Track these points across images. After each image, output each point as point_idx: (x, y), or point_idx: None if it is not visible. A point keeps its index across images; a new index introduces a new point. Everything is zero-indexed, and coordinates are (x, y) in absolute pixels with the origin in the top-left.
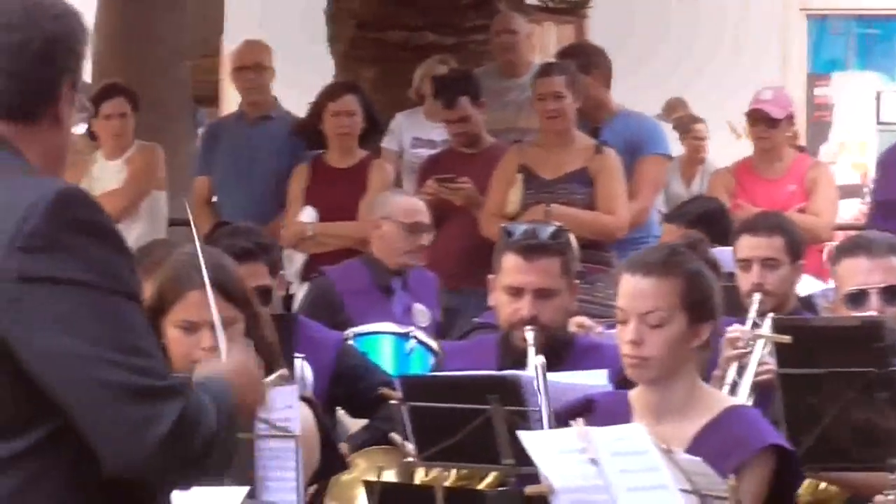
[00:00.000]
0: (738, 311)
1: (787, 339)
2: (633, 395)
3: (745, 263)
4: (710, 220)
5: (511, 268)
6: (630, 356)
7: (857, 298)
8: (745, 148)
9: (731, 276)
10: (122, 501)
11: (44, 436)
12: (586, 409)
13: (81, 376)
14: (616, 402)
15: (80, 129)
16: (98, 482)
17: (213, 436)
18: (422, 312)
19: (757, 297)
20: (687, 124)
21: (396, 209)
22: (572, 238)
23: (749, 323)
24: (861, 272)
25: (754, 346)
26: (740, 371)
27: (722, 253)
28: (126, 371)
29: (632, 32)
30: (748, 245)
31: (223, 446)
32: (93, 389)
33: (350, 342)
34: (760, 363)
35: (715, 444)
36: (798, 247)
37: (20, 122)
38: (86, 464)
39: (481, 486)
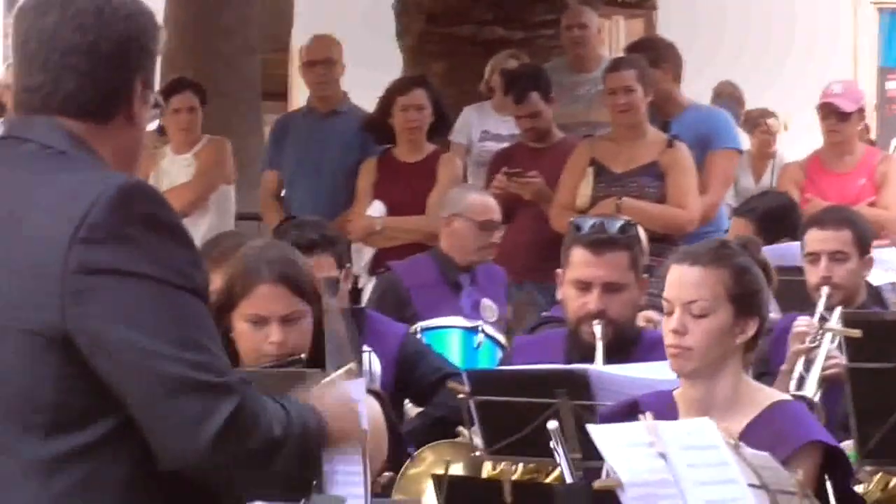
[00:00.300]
0: (806, 305)
1: (856, 333)
2: (678, 393)
3: (814, 257)
4: (779, 215)
5: (579, 262)
6: (672, 346)
7: None
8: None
9: (799, 270)
10: (188, 498)
11: (106, 430)
12: (631, 412)
13: (140, 368)
14: (660, 401)
15: (153, 125)
16: (160, 478)
17: (275, 441)
18: (490, 307)
19: (825, 290)
20: (757, 118)
21: (469, 207)
22: (641, 232)
23: (817, 316)
24: None
25: (822, 339)
26: (808, 365)
27: (790, 248)
28: (183, 365)
29: (701, 25)
30: (816, 239)
31: (291, 460)
32: (150, 382)
33: (415, 333)
34: (828, 357)
35: (761, 440)
36: (866, 240)
37: (94, 121)
38: (147, 459)
39: (548, 480)
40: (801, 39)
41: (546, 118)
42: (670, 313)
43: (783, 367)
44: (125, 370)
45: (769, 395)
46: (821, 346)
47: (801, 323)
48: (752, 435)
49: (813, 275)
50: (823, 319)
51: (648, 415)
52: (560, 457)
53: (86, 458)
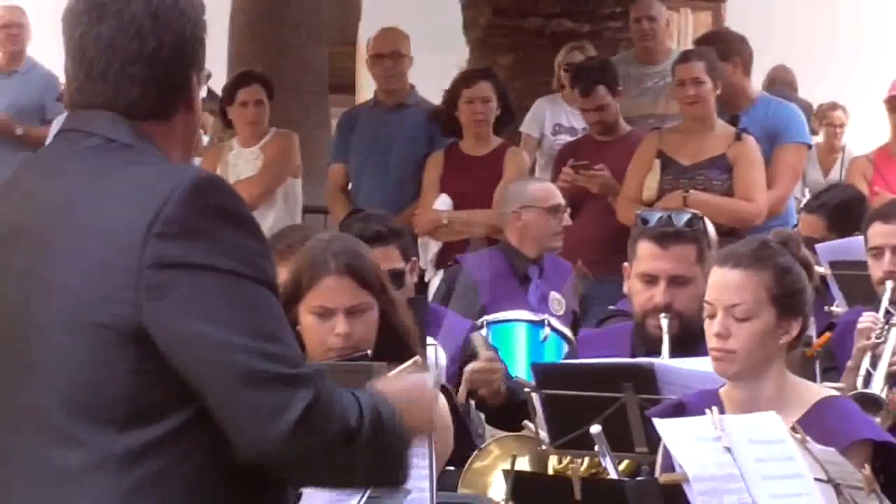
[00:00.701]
0: (872, 300)
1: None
2: (724, 392)
3: (877, 251)
4: (849, 209)
5: (646, 255)
6: (716, 349)
7: None
8: None
9: (865, 264)
10: (256, 488)
11: (179, 424)
12: (676, 413)
13: (216, 361)
14: (706, 401)
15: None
16: (228, 471)
17: (350, 432)
18: (557, 301)
19: (889, 284)
20: (825, 111)
21: (534, 196)
22: (709, 225)
23: (882, 311)
24: None
25: (888, 335)
26: (874, 361)
27: (856, 242)
28: (259, 357)
29: (768, 18)
30: (880, 233)
31: (367, 450)
32: (227, 375)
33: (480, 330)
34: (895, 353)
35: (811, 435)
36: None
37: (157, 119)
38: (221, 451)
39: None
40: (869, 32)
41: (612, 111)
42: (712, 316)
43: (849, 364)
44: (203, 364)
45: (816, 392)
46: (887, 341)
47: (867, 319)
48: (804, 429)
49: (877, 269)
50: (889, 314)
51: (714, 409)
52: (605, 459)
53: (159, 452)
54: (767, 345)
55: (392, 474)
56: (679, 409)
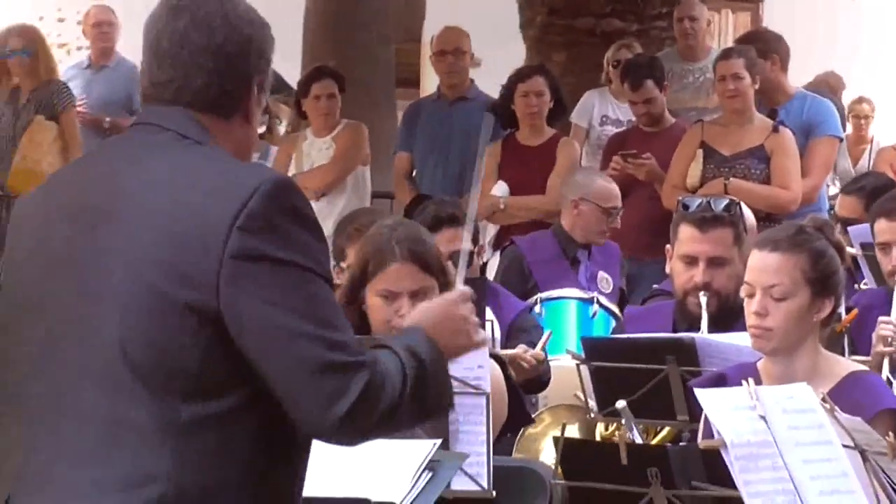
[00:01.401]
0: None
1: None
2: (760, 365)
3: (885, 246)
4: (884, 193)
5: (686, 238)
6: (754, 327)
7: None
8: None
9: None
10: (304, 463)
11: (239, 401)
12: (718, 384)
13: (285, 348)
14: (745, 373)
15: (261, 128)
16: (282, 445)
17: (398, 401)
18: (605, 280)
19: None
20: (852, 104)
21: (596, 193)
22: (747, 210)
23: (893, 309)
24: None
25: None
26: (893, 368)
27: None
28: (323, 346)
29: (802, 18)
30: (885, 229)
31: (417, 401)
32: (294, 361)
33: (535, 309)
34: None
35: (839, 408)
36: None
37: (218, 116)
38: (272, 428)
39: (654, 441)
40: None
41: (660, 104)
42: (751, 295)
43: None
44: (271, 350)
45: (846, 366)
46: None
47: (885, 325)
48: (833, 401)
49: (886, 262)
50: None
51: (751, 380)
52: (631, 431)
53: (218, 425)
54: (802, 323)
55: (437, 408)
56: (720, 381)
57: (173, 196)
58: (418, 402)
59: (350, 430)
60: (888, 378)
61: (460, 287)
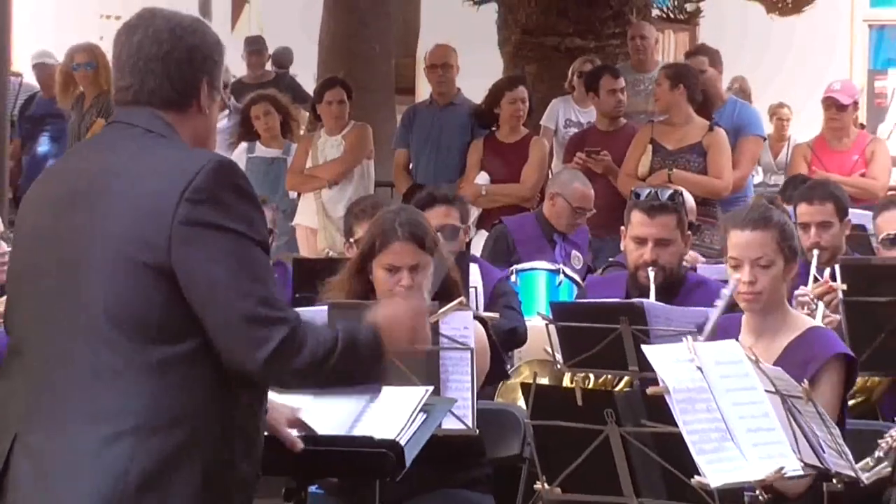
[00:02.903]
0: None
1: (843, 286)
2: (744, 318)
3: (804, 226)
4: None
5: (637, 222)
6: (746, 293)
7: (893, 241)
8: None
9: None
10: (257, 396)
11: (196, 345)
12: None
13: (221, 300)
14: (731, 322)
15: (223, 120)
16: (238, 381)
17: (321, 359)
18: (577, 258)
19: (815, 253)
20: (775, 109)
21: (570, 193)
22: (688, 197)
23: (811, 276)
24: (893, 220)
25: (816, 309)
26: None
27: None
28: (253, 301)
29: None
30: (805, 212)
31: (344, 368)
32: (227, 312)
33: (511, 279)
34: (825, 316)
35: (798, 356)
36: (845, 208)
37: (174, 110)
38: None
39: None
40: (811, 48)
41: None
42: (737, 267)
43: None
44: (209, 301)
45: (807, 322)
46: (817, 308)
47: (801, 293)
48: (793, 352)
49: (805, 240)
50: (816, 279)
51: (689, 338)
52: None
53: (181, 365)
54: (779, 284)
55: (366, 378)
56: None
57: (136, 179)
58: (343, 372)
59: (272, 374)
60: None
61: (427, 300)
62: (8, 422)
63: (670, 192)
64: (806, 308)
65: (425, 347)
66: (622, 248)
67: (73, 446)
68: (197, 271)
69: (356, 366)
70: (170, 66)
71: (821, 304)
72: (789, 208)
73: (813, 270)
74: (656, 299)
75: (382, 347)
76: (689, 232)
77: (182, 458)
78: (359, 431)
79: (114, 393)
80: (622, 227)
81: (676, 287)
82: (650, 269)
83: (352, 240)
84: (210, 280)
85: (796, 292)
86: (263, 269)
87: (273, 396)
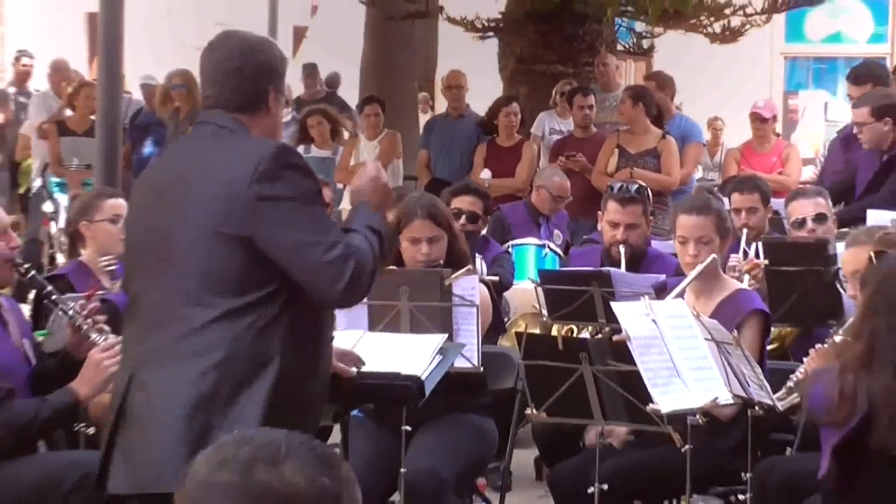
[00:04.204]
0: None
1: (765, 262)
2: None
3: (736, 211)
4: None
5: (612, 209)
6: (689, 263)
7: (800, 223)
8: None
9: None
10: (316, 328)
11: (269, 292)
12: (661, 290)
13: (300, 254)
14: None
15: (287, 117)
16: (304, 320)
17: (371, 268)
18: (558, 235)
19: (745, 231)
20: (711, 121)
21: (551, 184)
22: (649, 191)
23: (741, 248)
24: (801, 206)
25: (744, 278)
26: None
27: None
28: (322, 247)
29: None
30: (736, 200)
31: (382, 259)
32: (306, 262)
33: (508, 252)
34: (749, 283)
35: (728, 311)
36: (768, 198)
37: (248, 113)
38: (294, 309)
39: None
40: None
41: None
42: (684, 243)
43: None
44: (292, 256)
45: (735, 285)
46: (743, 274)
47: (732, 261)
48: (725, 307)
49: (737, 221)
50: (745, 253)
51: (646, 297)
52: None
53: (254, 311)
54: (717, 257)
55: (389, 249)
56: (662, 287)
57: (214, 166)
58: (381, 256)
59: (349, 298)
60: None
61: (371, 168)
62: (127, 362)
63: (637, 185)
64: (734, 271)
65: (390, 191)
66: (599, 228)
67: (173, 378)
68: (276, 236)
69: (383, 247)
70: (242, 78)
71: (746, 277)
72: (725, 199)
73: (742, 244)
74: (626, 269)
75: (384, 217)
76: (650, 216)
77: (255, 380)
78: (388, 369)
79: (203, 336)
80: (599, 213)
81: (640, 259)
82: (622, 246)
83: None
84: (287, 240)
85: (729, 260)
86: (323, 220)
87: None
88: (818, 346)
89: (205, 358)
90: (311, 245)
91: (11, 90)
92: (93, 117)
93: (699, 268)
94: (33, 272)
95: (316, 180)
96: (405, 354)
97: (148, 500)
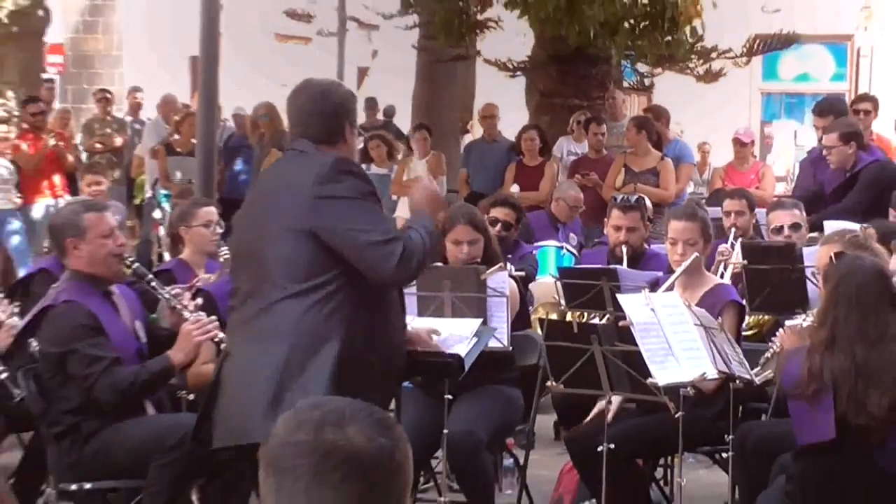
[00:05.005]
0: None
1: (744, 262)
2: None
3: (727, 213)
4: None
5: (615, 216)
6: (677, 261)
7: (778, 230)
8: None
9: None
10: (377, 307)
11: (334, 275)
12: (654, 284)
13: (355, 239)
14: (663, 280)
15: (360, 145)
16: (367, 302)
17: (423, 257)
18: (573, 238)
19: (733, 230)
20: (700, 145)
21: (567, 196)
22: (648, 202)
23: (730, 241)
24: (779, 216)
25: (729, 259)
26: (725, 268)
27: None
28: (374, 233)
29: (673, 101)
30: (727, 205)
31: (431, 253)
32: (360, 245)
33: (533, 252)
34: (733, 269)
35: (709, 301)
36: (754, 205)
37: (327, 145)
38: (357, 291)
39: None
40: (724, 106)
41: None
42: (674, 244)
43: (712, 269)
44: (348, 243)
45: (715, 280)
46: (728, 262)
47: (721, 249)
48: (706, 299)
49: (727, 221)
50: (733, 245)
51: (646, 290)
52: None
53: (325, 289)
54: (700, 256)
55: (436, 252)
56: (655, 282)
57: (289, 178)
58: (431, 252)
59: (400, 275)
60: (721, 273)
61: (426, 182)
62: (230, 342)
63: (636, 197)
64: (721, 255)
65: (441, 200)
66: (605, 232)
67: (254, 351)
68: (334, 227)
69: (434, 246)
70: (322, 117)
71: (729, 269)
72: (710, 209)
73: (731, 239)
74: (627, 266)
75: (435, 230)
76: (648, 222)
77: (321, 353)
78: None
79: (278, 315)
80: (605, 219)
81: (640, 257)
82: (623, 246)
83: None
84: (342, 228)
85: (718, 249)
86: (375, 213)
87: None
88: (788, 323)
89: (277, 333)
90: (363, 231)
91: (128, 119)
92: (194, 140)
93: (685, 264)
94: (137, 264)
95: (370, 184)
96: (447, 336)
97: (236, 450)
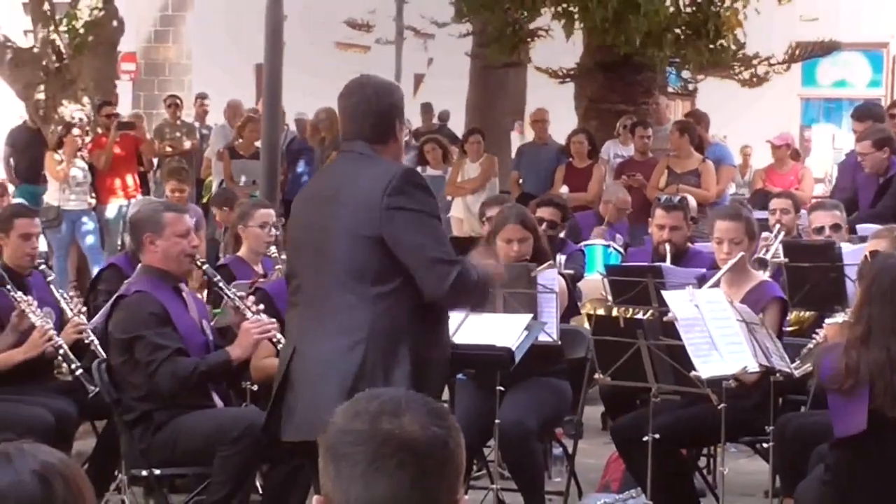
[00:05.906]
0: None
1: (785, 260)
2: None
3: (773, 212)
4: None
5: (658, 215)
6: (724, 259)
7: (819, 230)
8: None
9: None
10: (436, 308)
11: (400, 281)
12: (701, 280)
13: (418, 253)
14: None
15: (407, 154)
16: (428, 308)
17: (474, 286)
18: (619, 238)
19: (777, 227)
20: (742, 148)
21: (617, 199)
22: (691, 201)
23: (773, 233)
24: (820, 217)
25: (772, 245)
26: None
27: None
28: (437, 251)
29: (712, 105)
30: (775, 203)
31: (481, 295)
32: (422, 260)
33: (582, 250)
34: (774, 255)
35: (754, 298)
36: (798, 204)
37: (380, 143)
38: (420, 297)
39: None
40: (765, 111)
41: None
42: (720, 243)
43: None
44: (411, 255)
45: (760, 277)
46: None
47: (765, 235)
48: (751, 295)
49: (772, 218)
50: (776, 237)
51: (690, 287)
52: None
53: (390, 296)
54: (745, 254)
55: (487, 297)
56: (702, 278)
57: (356, 183)
58: (481, 292)
59: (452, 297)
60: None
61: (498, 266)
62: (291, 338)
63: (679, 197)
64: (764, 240)
65: (502, 280)
66: (650, 231)
67: (328, 350)
68: (400, 238)
69: (486, 289)
70: (376, 116)
71: (773, 245)
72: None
73: (774, 232)
74: (671, 263)
75: (492, 281)
76: (691, 222)
77: (398, 353)
78: (485, 342)
79: (350, 316)
80: (649, 219)
81: (682, 255)
82: (667, 244)
83: (483, 219)
84: (409, 241)
85: (762, 237)
86: (438, 231)
87: None
88: (827, 321)
89: (352, 334)
90: (427, 247)
91: (196, 124)
92: (258, 144)
93: (731, 262)
94: (206, 265)
95: (435, 199)
96: (500, 330)
97: (303, 445)
